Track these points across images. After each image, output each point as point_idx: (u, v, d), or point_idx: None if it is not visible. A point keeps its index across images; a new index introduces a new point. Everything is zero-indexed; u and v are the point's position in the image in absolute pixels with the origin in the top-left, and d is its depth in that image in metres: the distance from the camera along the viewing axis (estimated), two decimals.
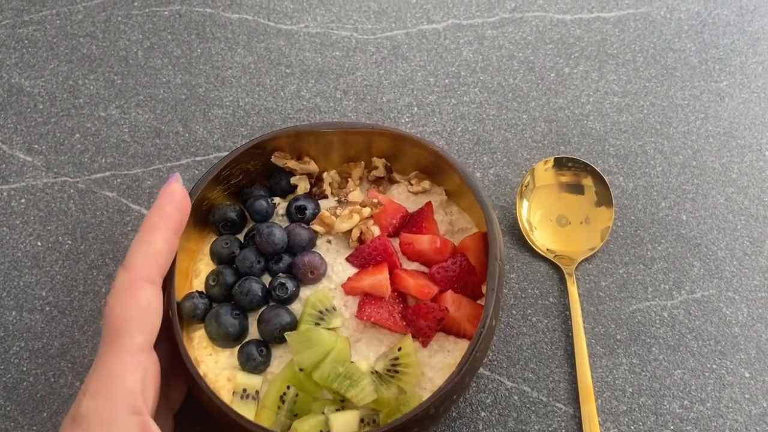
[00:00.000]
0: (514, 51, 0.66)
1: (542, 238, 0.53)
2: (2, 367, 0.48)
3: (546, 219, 0.54)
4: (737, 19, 0.69)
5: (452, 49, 0.66)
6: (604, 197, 0.54)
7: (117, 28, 0.66)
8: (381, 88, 0.63)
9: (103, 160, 0.58)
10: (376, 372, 0.42)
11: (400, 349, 0.42)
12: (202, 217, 0.48)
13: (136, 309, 0.37)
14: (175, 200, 0.41)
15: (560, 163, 0.55)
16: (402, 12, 0.68)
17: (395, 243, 0.47)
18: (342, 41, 0.66)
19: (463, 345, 0.44)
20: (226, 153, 0.54)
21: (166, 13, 0.68)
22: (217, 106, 0.61)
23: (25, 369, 0.48)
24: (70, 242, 0.54)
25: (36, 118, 0.60)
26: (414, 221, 0.48)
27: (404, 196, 0.50)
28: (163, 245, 0.40)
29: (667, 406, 0.47)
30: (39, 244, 0.53)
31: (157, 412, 0.39)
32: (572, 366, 0.49)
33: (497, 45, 0.66)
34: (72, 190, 0.56)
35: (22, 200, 0.56)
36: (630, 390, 0.48)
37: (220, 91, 0.63)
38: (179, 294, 0.44)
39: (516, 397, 0.48)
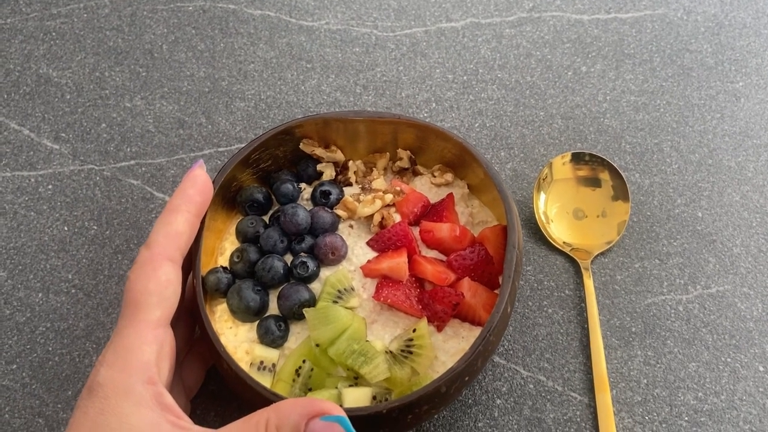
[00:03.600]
0: (531, 50, 0.67)
1: (559, 231, 0.54)
2: (29, 346, 0.49)
3: (563, 212, 0.55)
4: (753, 21, 0.70)
5: (470, 47, 0.67)
6: (621, 191, 0.54)
7: (142, 22, 0.68)
8: (400, 83, 0.64)
9: (128, 149, 0.59)
10: (390, 352, 0.42)
11: (414, 331, 0.42)
12: (230, 198, 0.49)
13: (156, 284, 0.38)
14: (197, 184, 0.43)
15: (578, 158, 0.56)
16: (421, 10, 0.70)
17: (415, 231, 0.48)
18: (362, 38, 0.67)
19: (477, 332, 0.45)
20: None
21: (191, 8, 0.69)
22: (239, 99, 0.63)
23: (50, 349, 0.49)
24: (95, 228, 0.55)
25: (63, 108, 0.62)
26: (435, 211, 0.48)
27: (427, 188, 0.51)
28: (184, 226, 0.41)
29: (682, 398, 0.48)
30: (66, 228, 0.55)
31: (171, 389, 0.40)
32: (587, 357, 0.49)
33: (515, 43, 0.67)
34: (98, 178, 0.57)
35: (50, 186, 0.57)
36: (645, 381, 0.48)
37: (243, 84, 0.64)
38: (205, 270, 0.45)
39: (531, 386, 0.48)
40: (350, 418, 0.37)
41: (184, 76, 0.64)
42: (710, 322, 0.51)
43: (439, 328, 0.44)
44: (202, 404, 0.47)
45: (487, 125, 0.61)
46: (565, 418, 0.47)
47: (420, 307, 0.44)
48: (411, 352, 0.42)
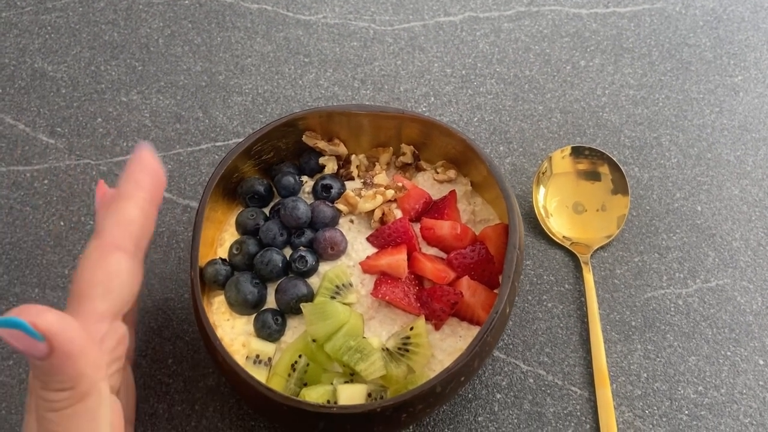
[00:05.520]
0: (530, 44, 0.67)
1: (558, 225, 0.54)
2: None
3: (562, 206, 0.55)
4: (752, 15, 0.69)
5: (469, 41, 0.67)
6: (620, 185, 0.54)
7: (138, 16, 0.67)
8: (398, 78, 0.64)
9: (125, 144, 0.59)
10: (387, 349, 0.42)
11: (412, 329, 0.42)
12: (231, 189, 0.49)
13: (103, 275, 0.35)
14: (146, 168, 0.38)
15: (577, 151, 0.55)
16: (419, 4, 0.69)
17: (416, 228, 0.48)
18: (360, 32, 0.67)
19: (475, 332, 0.44)
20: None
21: (187, 1, 0.69)
22: (236, 93, 0.62)
23: None
24: (92, 223, 0.54)
25: (59, 102, 0.61)
26: (437, 208, 0.48)
27: (429, 184, 0.50)
28: (135, 213, 0.37)
29: (682, 392, 0.48)
30: (62, 224, 0.54)
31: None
32: (587, 351, 0.49)
33: (513, 38, 0.67)
34: (94, 172, 0.57)
35: (45, 181, 0.56)
36: (645, 375, 0.48)
37: (240, 78, 0.63)
38: (204, 261, 0.45)
39: (531, 380, 0.48)
40: (344, 416, 0.37)
41: (181, 70, 0.64)
42: (710, 316, 0.51)
43: (437, 327, 0.44)
44: (201, 399, 0.47)
45: (486, 119, 0.61)
46: (565, 412, 0.47)
47: (418, 304, 0.44)
48: (407, 350, 0.42)
